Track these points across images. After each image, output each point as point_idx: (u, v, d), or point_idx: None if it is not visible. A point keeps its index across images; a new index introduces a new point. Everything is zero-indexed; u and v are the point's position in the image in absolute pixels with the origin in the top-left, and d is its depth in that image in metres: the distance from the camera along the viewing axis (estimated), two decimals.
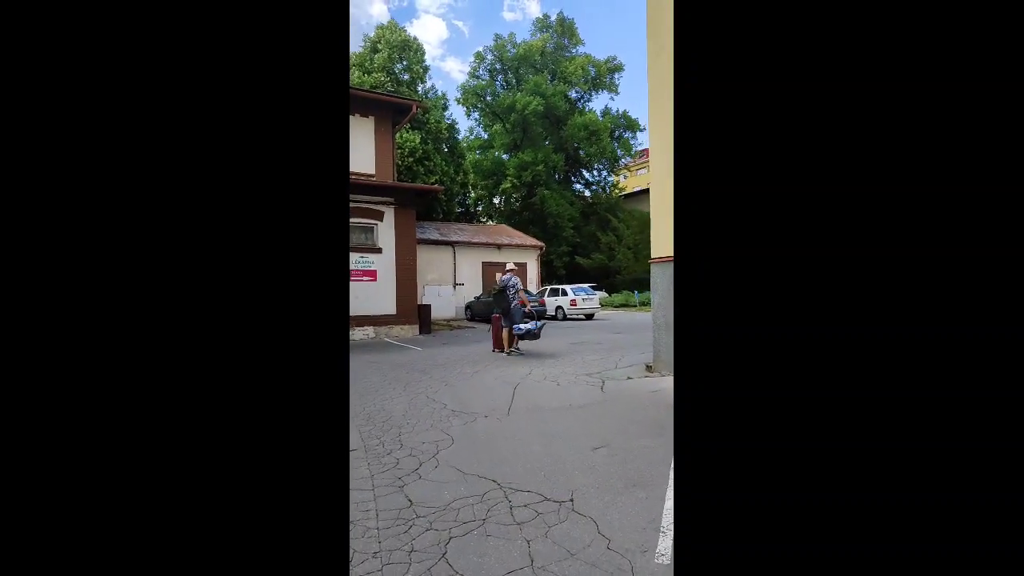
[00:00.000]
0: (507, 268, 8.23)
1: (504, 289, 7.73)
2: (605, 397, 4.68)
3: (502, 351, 7.84)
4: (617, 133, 29.87)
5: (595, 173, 30.77)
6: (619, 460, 3.04)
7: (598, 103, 46.83)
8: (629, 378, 5.51)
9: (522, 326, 7.64)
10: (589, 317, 16.21)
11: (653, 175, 5.79)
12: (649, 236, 5.69)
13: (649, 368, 5.93)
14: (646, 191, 31.80)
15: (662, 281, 5.63)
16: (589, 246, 27.15)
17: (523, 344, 8.04)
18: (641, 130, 29.89)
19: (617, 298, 21.34)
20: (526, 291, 16.53)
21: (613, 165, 30.17)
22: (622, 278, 24.54)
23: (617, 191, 30.51)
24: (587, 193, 30.85)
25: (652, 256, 5.81)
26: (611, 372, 5.95)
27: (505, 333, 7.79)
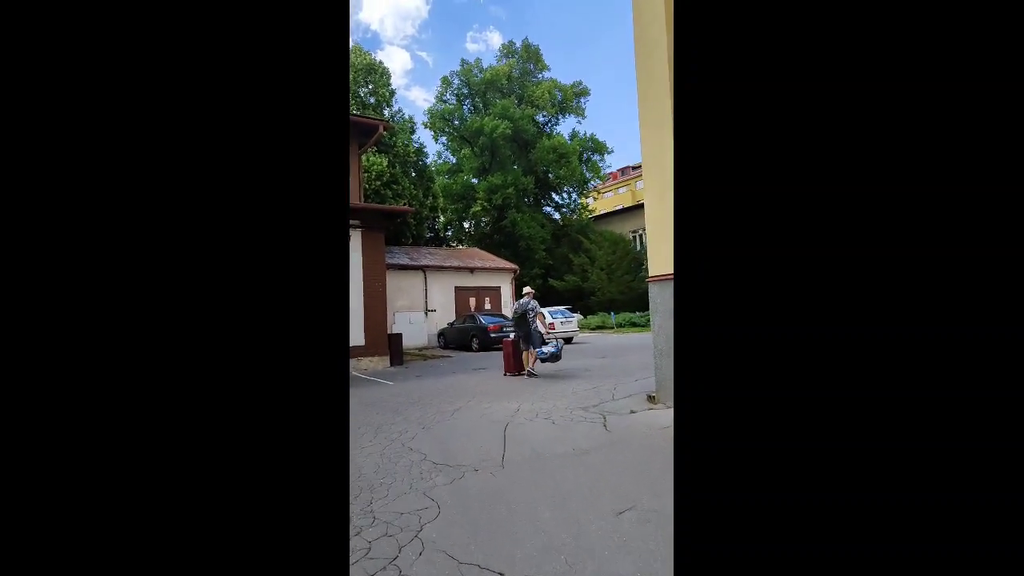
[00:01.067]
0: (525, 292, 8.36)
1: (524, 314, 7.94)
2: (612, 438, 4.05)
3: (515, 374, 8.06)
4: (585, 156, 30.04)
5: (564, 196, 30.78)
6: (654, 528, 2.40)
7: (565, 127, 47.57)
8: (632, 412, 4.90)
9: (545, 349, 7.83)
10: (568, 341, 15.65)
11: (648, 189, 5.32)
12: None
13: (651, 399, 5.34)
14: (616, 212, 32.46)
15: (662, 301, 5.10)
16: (562, 268, 26.84)
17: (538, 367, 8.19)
18: (609, 152, 30.20)
19: (593, 320, 20.93)
20: (503, 315, 15.92)
21: (582, 187, 30.22)
22: (596, 299, 24.22)
23: (587, 213, 30.51)
24: (557, 216, 30.77)
25: (651, 274, 5.30)
26: (609, 404, 5.33)
27: (526, 355, 8.04)
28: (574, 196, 30.57)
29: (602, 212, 32.74)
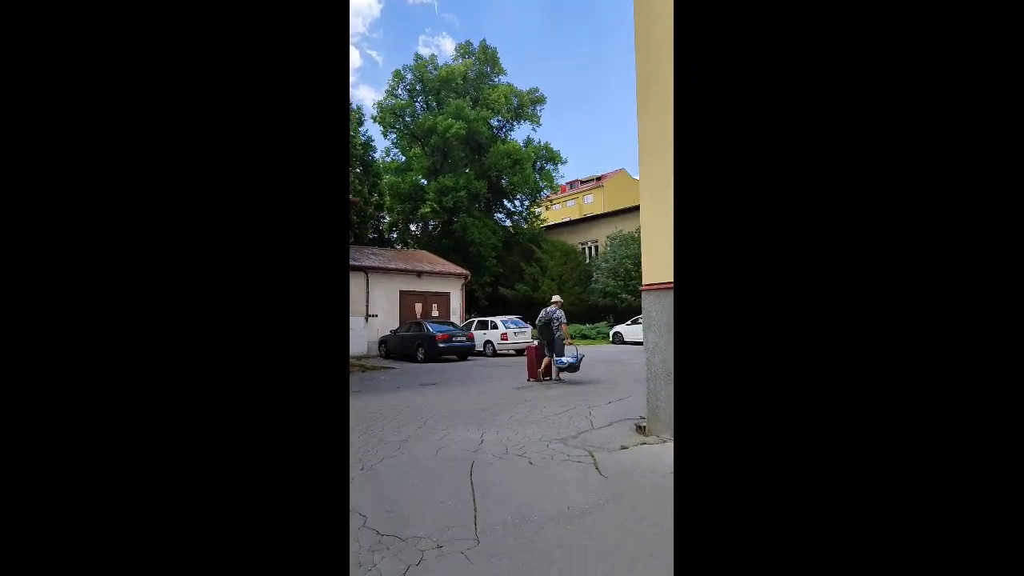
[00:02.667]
0: (552, 300, 8.52)
1: (549, 322, 8.06)
2: (612, 488, 3.16)
3: (538, 380, 8.11)
4: (539, 164, 29.57)
5: (517, 203, 30.12)
6: None
7: (520, 133, 47.11)
8: (624, 447, 4.06)
9: (564, 359, 7.91)
10: (520, 352, 14.79)
11: (644, 191, 4.56)
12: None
13: (641, 429, 4.53)
14: (566, 224, 32.16)
15: (660, 314, 4.32)
16: (512, 277, 26.08)
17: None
18: (563, 163, 29.88)
19: None
20: (452, 323, 14.84)
21: (535, 196, 29.68)
22: None
23: (540, 222, 30.01)
24: (508, 223, 30.05)
25: (644, 282, 4.51)
26: (592, 436, 4.47)
27: (546, 361, 8.13)
28: (526, 204, 29.99)
29: (552, 223, 32.36)
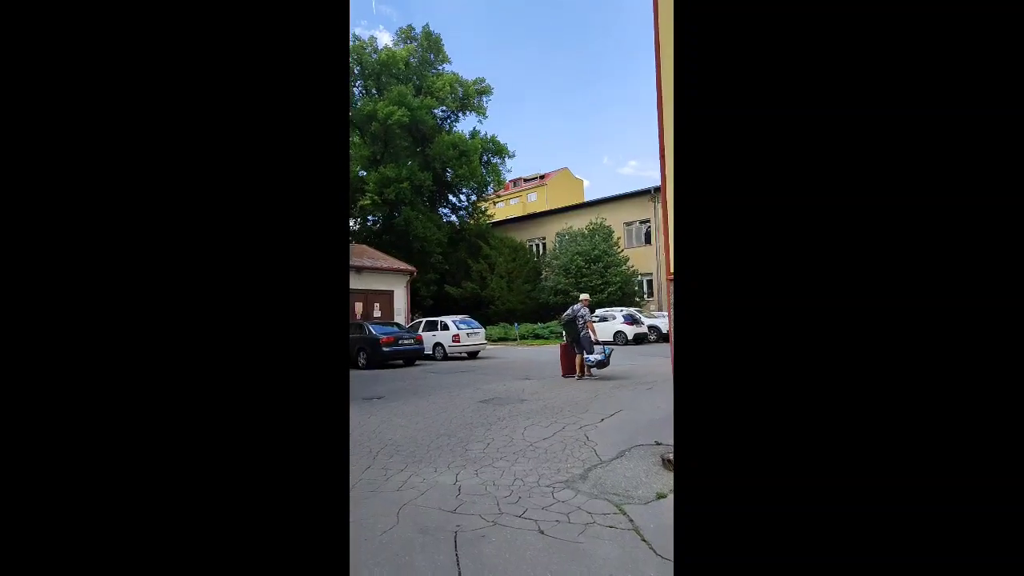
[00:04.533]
0: (581, 299, 8.54)
1: (574, 320, 8.13)
2: None
3: (574, 376, 8.19)
4: (486, 157, 28.36)
5: (463, 197, 28.77)
6: None
7: (466, 125, 45.40)
8: (661, 496, 2.97)
9: (592, 357, 8.03)
10: (472, 355, 13.57)
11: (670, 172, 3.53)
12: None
13: (669, 463, 3.49)
14: (512, 221, 31.12)
15: None
16: (459, 274, 24.75)
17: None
18: (511, 156, 28.80)
19: (494, 331, 19.09)
20: (397, 325, 13.35)
21: (482, 190, 28.43)
22: (496, 309, 22.50)
23: (487, 217, 28.80)
24: (454, 218, 28.64)
25: (674, 272, 3.47)
26: (606, 473, 3.37)
27: (579, 359, 8.16)
28: (473, 199, 28.68)
29: (499, 220, 31.22)
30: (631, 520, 2.61)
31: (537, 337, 19.52)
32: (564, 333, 8.57)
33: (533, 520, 2.65)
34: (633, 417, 5.12)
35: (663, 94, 3.67)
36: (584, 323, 8.11)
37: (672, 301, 3.61)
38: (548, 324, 20.44)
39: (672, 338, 3.78)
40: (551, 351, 14.63)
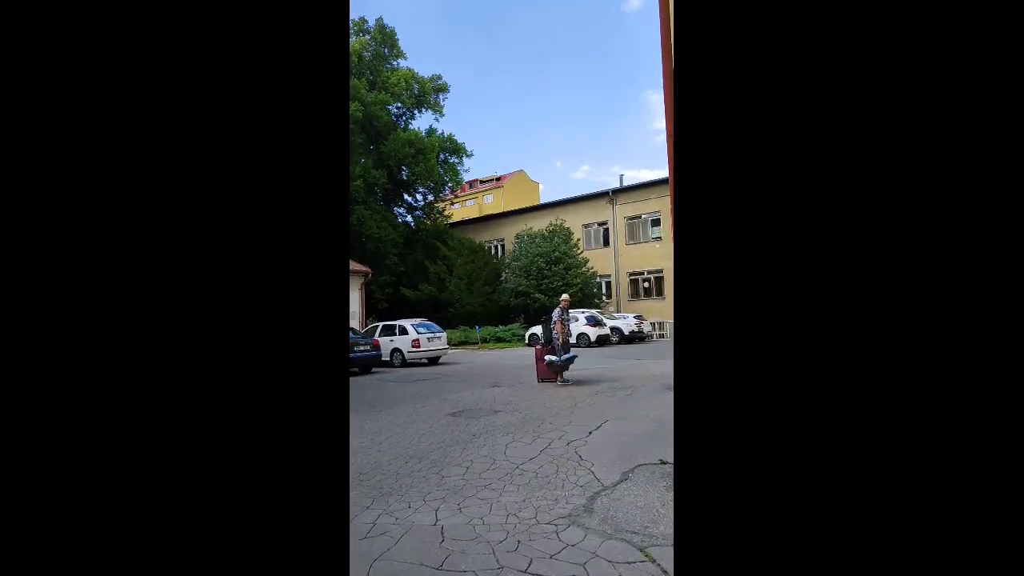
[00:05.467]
0: (561, 298, 8.24)
1: (548, 319, 7.93)
2: None
3: (552, 380, 7.83)
4: (443, 157, 27.58)
5: (418, 197, 27.84)
6: None
7: (422, 123, 44.20)
8: None
9: (551, 357, 7.69)
10: (433, 361, 12.87)
11: None
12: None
13: None
14: (470, 222, 30.45)
15: None
16: (416, 276, 23.85)
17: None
18: (469, 156, 28.16)
19: (455, 335, 18.39)
20: (353, 329, 12.45)
21: (439, 190, 27.62)
22: (455, 312, 21.79)
23: (444, 218, 28.02)
24: (410, 219, 27.67)
25: None
26: (614, 503, 2.88)
27: (542, 366, 7.86)
28: (429, 199, 27.81)
29: (456, 221, 30.46)
30: (663, 570, 2.13)
31: (499, 340, 18.98)
32: (542, 334, 8.35)
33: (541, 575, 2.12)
34: (623, 428, 4.69)
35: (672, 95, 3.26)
36: (555, 322, 7.78)
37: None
38: (510, 327, 19.96)
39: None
40: (515, 355, 14.12)
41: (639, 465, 3.52)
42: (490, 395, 7.07)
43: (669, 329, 21.06)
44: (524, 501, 2.98)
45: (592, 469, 3.51)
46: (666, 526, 2.52)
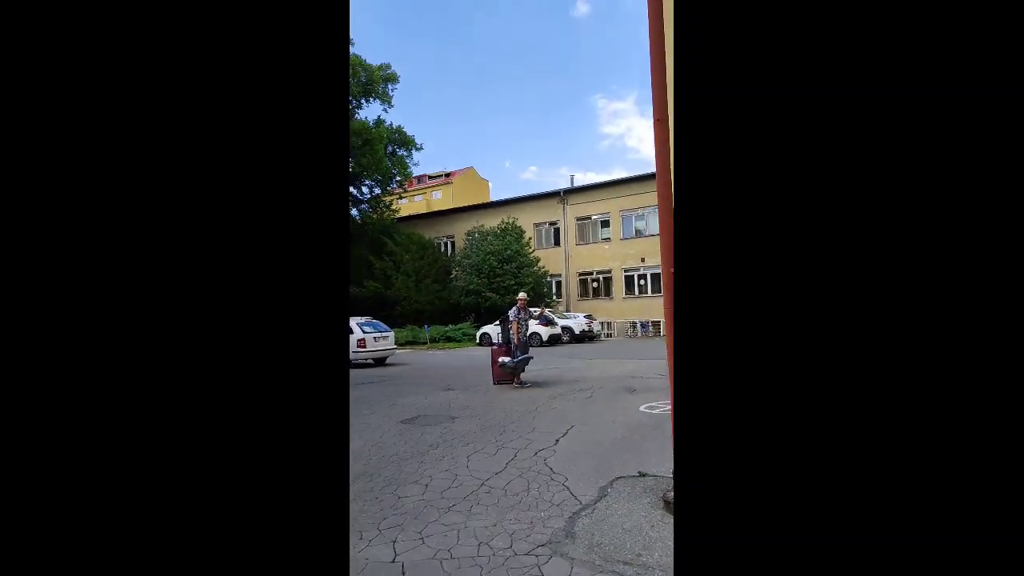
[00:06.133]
0: (519, 296, 7.93)
1: (504, 319, 7.69)
2: None
3: (508, 382, 7.49)
4: (391, 149, 26.60)
5: (364, 190, 26.71)
6: None
7: (369, 113, 42.35)
8: None
9: (505, 359, 7.40)
10: (380, 362, 12.22)
11: None
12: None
13: (671, 504, 2.79)
14: (420, 217, 29.55)
15: None
16: (360, 272, 22.83)
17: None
18: (419, 149, 27.32)
19: (402, 334, 17.67)
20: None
21: (387, 183, 26.62)
22: (402, 310, 21.03)
23: (391, 212, 27.04)
24: (355, 212, 26.49)
25: None
26: (598, 525, 2.57)
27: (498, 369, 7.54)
28: (376, 191, 26.75)
29: (404, 215, 29.47)
30: None
31: (449, 340, 18.46)
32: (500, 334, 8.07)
33: None
34: (590, 436, 4.43)
35: (665, 76, 3.00)
36: (511, 322, 7.59)
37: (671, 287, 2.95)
38: (460, 326, 19.48)
39: (671, 320, 3.14)
40: (467, 355, 13.70)
41: (617, 478, 3.25)
42: (444, 399, 6.65)
43: (617, 329, 21.36)
44: (495, 526, 2.63)
45: (567, 484, 3.20)
46: (661, 554, 2.25)
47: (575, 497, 2.98)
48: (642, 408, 5.53)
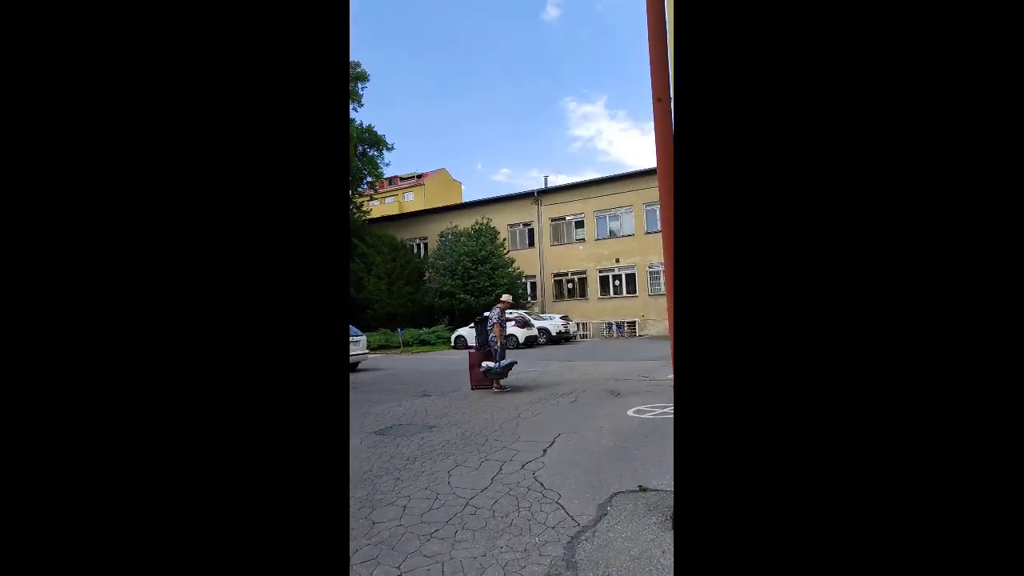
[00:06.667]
0: (501, 298, 7.58)
1: (484, 320, 7.33)
2: None
3: (488, 387, 7.17)
4: (362, 149, 25.91)
5: None
6: None
7: None
8: None
9: (488, 363, 7.04)
10: (352, 367, 11.69)
11: None
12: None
13: None
14: (392, 218, 28.80)
15: None
16: None
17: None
18: (390, 149, 26.68)
19: (375, 338, 17.11)
20: None
21: (357, 184, 25.89)
22: (374, 313, 20.42)
23: (362, 213, 26.33)
24: None
25: None
26: (601, 553, 2.27)
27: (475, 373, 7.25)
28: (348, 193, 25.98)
29: (375, 217, 28.76)
30: None
31: (423, 343, 17.98)
32: (476, 338, 7.67)
33: None
34: (580, 444, 4.15)
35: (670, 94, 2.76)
36: (492, 325, 7.19)
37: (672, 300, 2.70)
38: (434, 329, 19.02)
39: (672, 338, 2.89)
40: (442, 359, 13.29)
41: (616, 494, 2.97)
42: (420, 406, 6.27)
43: (593, 329, 21.27)
44: (485, 555, 2.31)
45: (560, 502, 2.90)
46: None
47: (571, 517, 2.68)
48: (630, 413, 5.29)
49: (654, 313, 20.14)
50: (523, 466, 3.61)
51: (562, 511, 2.77)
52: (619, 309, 21.13)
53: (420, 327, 19.32)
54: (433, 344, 17.84)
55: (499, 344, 7.22)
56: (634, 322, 20.64)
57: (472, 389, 7.38)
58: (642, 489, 2.99)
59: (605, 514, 2.69)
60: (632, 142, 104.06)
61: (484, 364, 7.14)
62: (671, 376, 7.94)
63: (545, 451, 3.97)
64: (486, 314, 7.50)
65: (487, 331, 7.28)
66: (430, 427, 5.07)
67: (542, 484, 3.21)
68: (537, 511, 2.79)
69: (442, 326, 19.50)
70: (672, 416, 5.08)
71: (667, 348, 13.80)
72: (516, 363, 7.60)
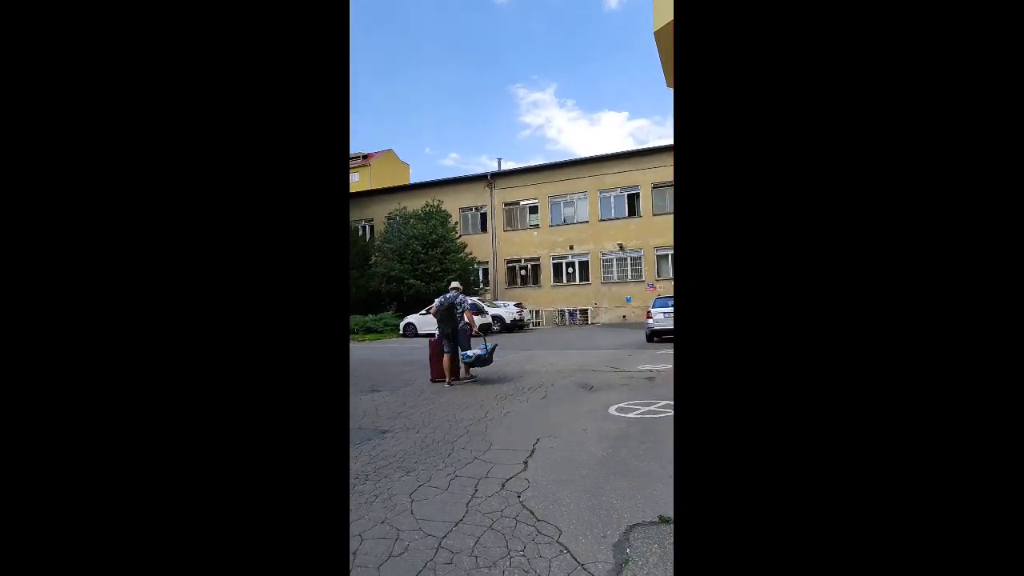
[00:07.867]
0: (452, 286, 7.02)
1: (452, 307, 6.57)
2: None
3: (445, 381, 6.51)
4: None
5: None
6: None
7: None
8: None
9: (470, 352, 6.54)
10: None
11: None
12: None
13: None
14: (358, 194, 27.13)
15: None
16: None
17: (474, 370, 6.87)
18: None
19: None
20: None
21: None
22: None
23: None
24: None
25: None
26: None
27: (447, 360, 6.53)
28: None
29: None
30: None
31: (369, 331, 16.86)
32: (438, 326, 6.86)
33: None
34: (565, 453, 3.52)
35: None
36: (462, 312, 6.63)
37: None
38: (382, 315, 17.91)
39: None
40: (392, 348, 12.35)
41: (633, 526, 2.34)
42: (370, 405, 5.44)
43: (546, 317, 20.87)
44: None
45: (561, 541, 2.24)
46: None
47: (582, 567, 2.02)
48: (612, 411, 4.73)
49: (607, 301, 19.99)
50: (503, 485, 2.93)
51: (567, 555, 2.11)
52: (572, 297, 20.82)
53: (366, 314, 18.15)
54: (380, 332, 16.78)
55: (473, 330, 6.80)
56: (587, 310, 20.41)
57: (432, 382, 6.64)
58: (663, 520, 2.38)
59: (627, 560, 2.05)
60: (582, 132, 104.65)
61: (468, 352, 6.58)
62: (645, 367, 7.57)
63: (526, 463, 3.31)
64: (446, 297, 6.78)
65: (457, 317, 6.62)
66: (382, 432, 4.28)
67: (532, 513, 2.54)
68: (533, 556, 2.12)
69: (390, 313, 18.42)
70: (664, 416, 4.60)
71: (625, 335, 13.59)
72: (497, 345, 7.22)
